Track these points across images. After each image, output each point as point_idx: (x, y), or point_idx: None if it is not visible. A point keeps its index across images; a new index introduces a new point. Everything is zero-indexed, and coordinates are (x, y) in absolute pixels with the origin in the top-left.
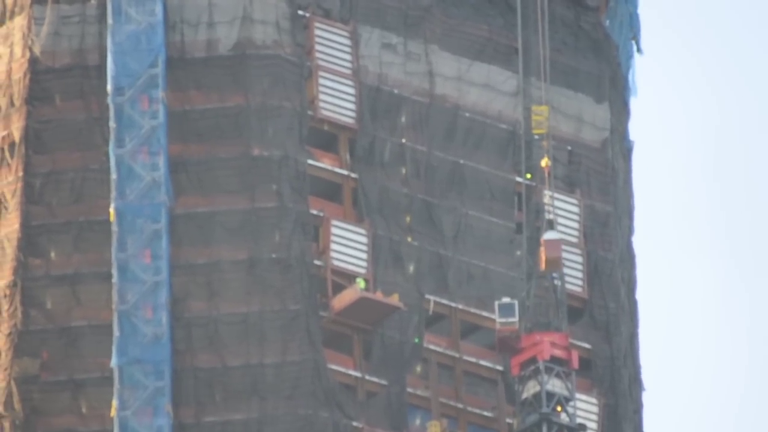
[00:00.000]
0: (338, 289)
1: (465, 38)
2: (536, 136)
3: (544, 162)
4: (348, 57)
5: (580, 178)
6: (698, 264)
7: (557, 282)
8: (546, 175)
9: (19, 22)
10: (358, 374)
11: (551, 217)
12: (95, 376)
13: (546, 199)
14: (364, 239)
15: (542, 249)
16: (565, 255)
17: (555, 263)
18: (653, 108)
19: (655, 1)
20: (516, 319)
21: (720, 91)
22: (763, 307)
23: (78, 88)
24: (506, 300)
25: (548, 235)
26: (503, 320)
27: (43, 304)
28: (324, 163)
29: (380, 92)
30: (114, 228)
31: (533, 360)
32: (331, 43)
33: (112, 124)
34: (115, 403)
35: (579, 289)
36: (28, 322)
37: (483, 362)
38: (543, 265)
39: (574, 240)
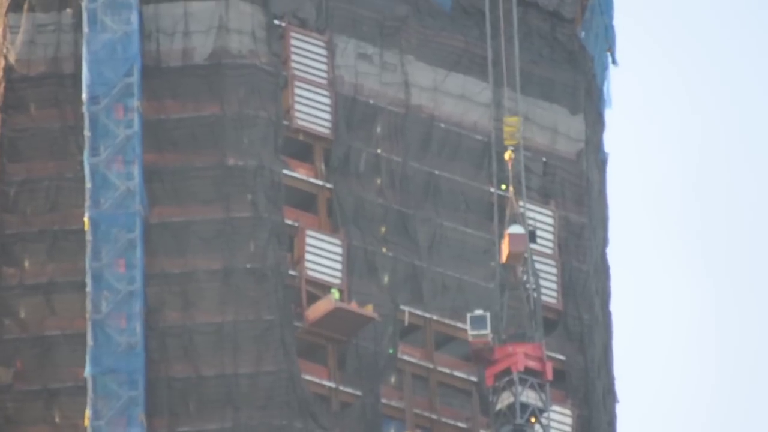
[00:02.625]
0: (313, 299)
1: (441, 49)
2: (511, 147)
3: (507, 155)
4: (324, 67)
5: (555, 189)
6: (672, 276)
7: (533, 293)
8: (509, 168)
9: None
10: (332, 385)
11: (531, 227)
12: (69, 386)
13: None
14: (338, 250)
15: (505, 242)
16: (539, 266)
17: (517, 258)
18: (628, 120)
19: (631, 13)
20: (488, 331)
21: (696, 102)
22: (738, 320)
23: (53, 96)
24: (478, 312)
25: (513, 229)
26: (475, 332)
27: (17, 313)
28: (299, 173)
29: (356, 102)
30: (88, 237)
31: (507, 371)
32: (306, 53)
33: (87, 132)
34: (88, 412)
35: (553, 301)
36: (1, 331)
37: (457, 373)
38: (504, 259)
39: (549, 251)
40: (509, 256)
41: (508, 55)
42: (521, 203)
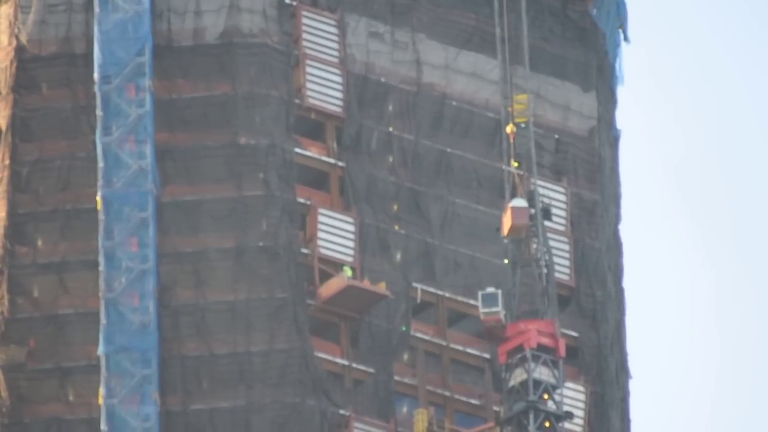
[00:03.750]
0: (325, 277)
1: (452, 27)
2: (522, 125)
3: (509, 128)
4: (335, 46)
5: (567, 166)
6: (685, 252)
7: (546, 270)
8: (511, 141)
9: (5, 11)
10: (345, 362)
11: (547, 203)
12: (82, 364)
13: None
14: (351, 227)
15: (508, 215)
16: (552, 243)
17: (519, 231)
18: (640, 97)
19: None
20: (499, 308)
21: (707, 79)
22: (751, 295)
23: (65, 76)
24: (489, 290)
25: (515, 202)
26: (486, 310)
27: (30, 292)
28: (311, 152)
29: (367, 81)
30: (101, 216)
31: (520, 348)
32: (318, 32)
33: (98, 112)
34: (102, 390)
35: (566, 278)
36: (14, 310)
37: (470, 350)
38: (505, 232)
39: (561, 228)
40: (511, 229)
41: (518, 32)
42: (533, 180)
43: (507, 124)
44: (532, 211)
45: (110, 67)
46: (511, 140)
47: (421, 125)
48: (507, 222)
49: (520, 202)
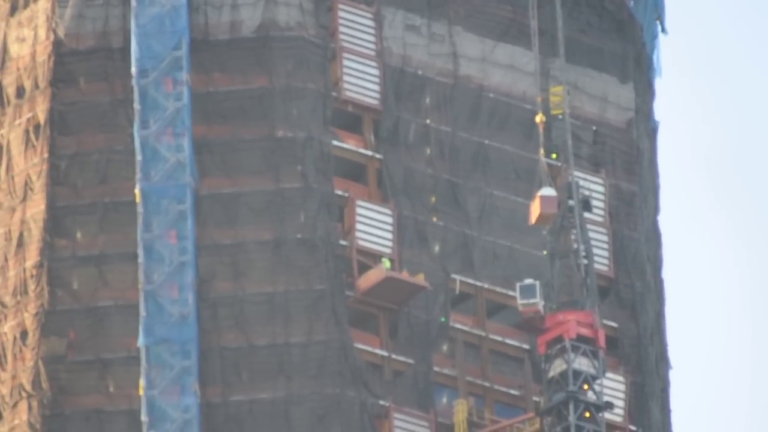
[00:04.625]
0: (364, 269)
1: (489, 19)
2: (559, 116)
3: (538, 118)
4: (372, 38)
5: (605, 157)
6: (723, 242)
7: (585, 261)
8: (540, 131)
9: (43, 5)
10: (384, 353)
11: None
12: (122, 356)
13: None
14: (389, 219)
15: (536, 203)
16: (591, 234)
17: (547, 219)
18: (678, 88)
19: None
20: (537, 299)
21: (745, 69)
22: None
23: (102, 70)
24: (527, 281)
25: (545, 191)
26: (524, 301)
27: (70, 284)
28: (348, 144)
29: (404, 73)
30: (139, 209)
31: (560, 339)
32: (354, 25)
33: (136, 105)
34: (142, 382)
35: (605, 269)
36: (54, 303)
37: (509, 341)
38: (533, 220)
39: (600, 219)
40: (540, 217)
41: (555, 24)
42: (571, 172)
43: (546, 117)
44: (570, 202)
45: (147, 61)
46: (541, 129)
47: (458, 117)
48: (535, 210)
49: (549, 191)
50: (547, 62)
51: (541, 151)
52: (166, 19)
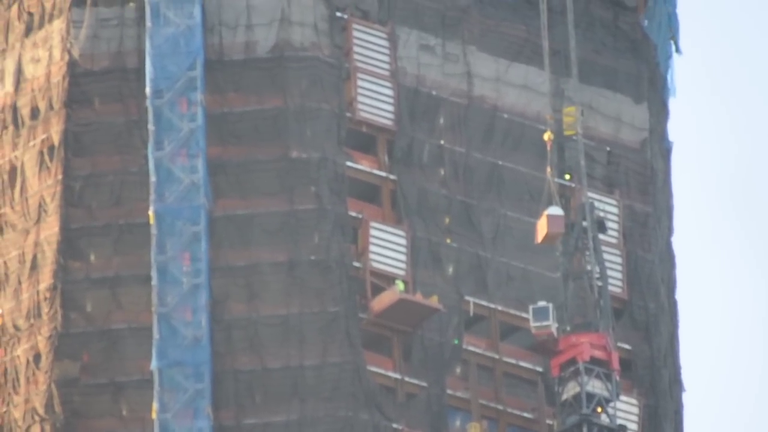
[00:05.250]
0: (377, 290)
1: (503, 39)
2: (574, 137)
3: (546, 136)
4: (386, 58)
5: (619, 178)
6: (738, 263)
7: (598, 282)
8: (548, 149)
9: (57, 26)
10: (397, 376)
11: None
12: (135, 379)
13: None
14: (403, 241)
15: (543, 222)
16: (604, 256)
17: (553, 239)
18: (692, 108)
19: (694, 1)
20: (550, 322)
21: (759, 89)
22: None
23: (117, 90)
24: (540, 304)
25: (552, 210)
26: (537, 324)
27: (83, 306)
28: (362, 165)
29: (418, 94)
30: (153, 231)
31: (573, 361)
32: (369, 45)
33: (150, 126)
34: (155, 405)
35: (619, 290)
36: (68, 325)
37: (523, 363)
38: (539, 239)
39: (614, 241)
40: (546, 236)
41: (569, 44)
42: (584, 193)
43: (558, 137)
44: (584, 223)
45: (162, 82)
46: (549, 148)
47: (473, 138)
48: (542, 229)
49: (556, 210)
50: (560, 82)
51: (548, 169)
52: (180, 40)
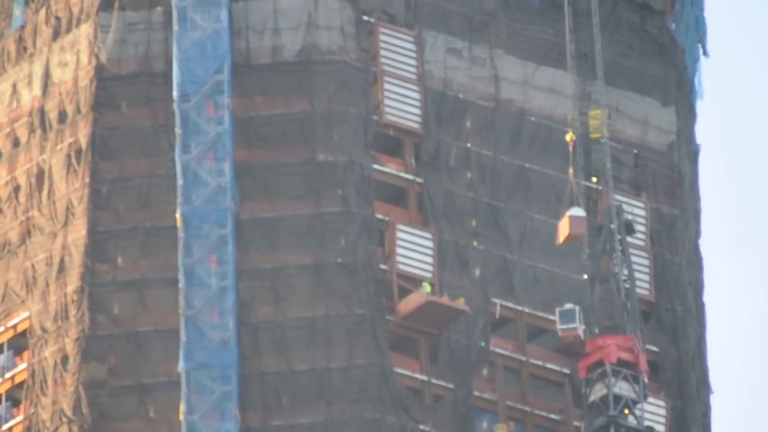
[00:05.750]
0: (404, 293)
1: (530, 42)
2: (601, 140)
3: (569, 137)
4: (413, 62)
5: (647, 181)
6: (765, 266)
7: (626, 285)
8: (570, 150)
9: (85, 30)
10: (424, 378)
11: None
12: (162, 381)
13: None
14: (429, 243)
15: (565, 223)
16: (631, 258)
17: (576, 239)
18: (720, 111)
19: (722, 5)
20: (577, 324)
21: None
22: None
23: (144, 94)
24: (567, 306)
25: (574, 212)
26: (564, 326)
27: (110, 309)
28: (389, 168)
29: (445, 97)
30: (180, 233)
31: (600, 363)
32: (396, 48)
33: (177, 130)
34: (182, 407)
35: (646, 293)
36: (95, 328)
37: (549, 365)
38: (561, 240)
39: (641, 243)
40: (568, 237)
41: (598, 47)
42: (613, 196)
43: (585, 141)
44: (612, 225)
45: (189, 85)
46: (571, 149)
47: (500, 141)
48: (564, 230)
49: (578, 211)
50: (587, 85)
51: (570, 170)
52: (207, 44)
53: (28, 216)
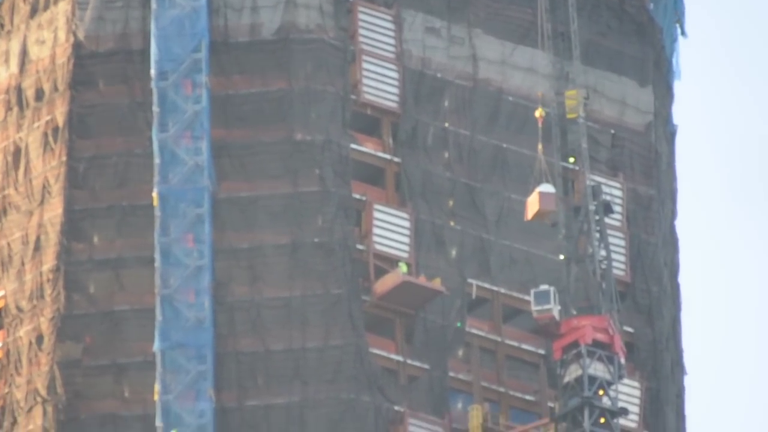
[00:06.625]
0: (380, 273)
1: (508, 22)
2: (577, 120)
3: (538, 113)
4: (391, 41)
5: (623, 161)
6: (741, 248)
7: (601, 265)
8: (539, 125)
9: (63, 7)
10: (400, 358)
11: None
12: (138, 361)
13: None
14: (406, 223)
15: (534, 199)
16: (609, 239)
17: (544, 216)
18: (697, 91)
19: None
20: (552, 305)
21: (764, 73)
22: None
23: (121, 72)
24: (542, 287)
25: (543, 188)
26: (539, 308)
27: (86, 288)
28: (367, 148)
29: (423, 76)
30: (157, 212)
31: (575, 344)
32: (374, 27)
33: (155, 108)
34: (157, 387)
35: (622, 273)
36: (70, 307)
37: (525, 346)
38: (529, 216)
39: (617, 224)
40: (537, 213)
41: (577, 27)
42: (590, 176)
43: (561, 121)
44: (591, 207)
45: (167, 64)
46: (539, 124)
47: (477, 121)
48: (533, 206)
49: (548, 188)
50: (565, 65)
51: (540, 146)
52: (185, 22)
53: (4, 194)
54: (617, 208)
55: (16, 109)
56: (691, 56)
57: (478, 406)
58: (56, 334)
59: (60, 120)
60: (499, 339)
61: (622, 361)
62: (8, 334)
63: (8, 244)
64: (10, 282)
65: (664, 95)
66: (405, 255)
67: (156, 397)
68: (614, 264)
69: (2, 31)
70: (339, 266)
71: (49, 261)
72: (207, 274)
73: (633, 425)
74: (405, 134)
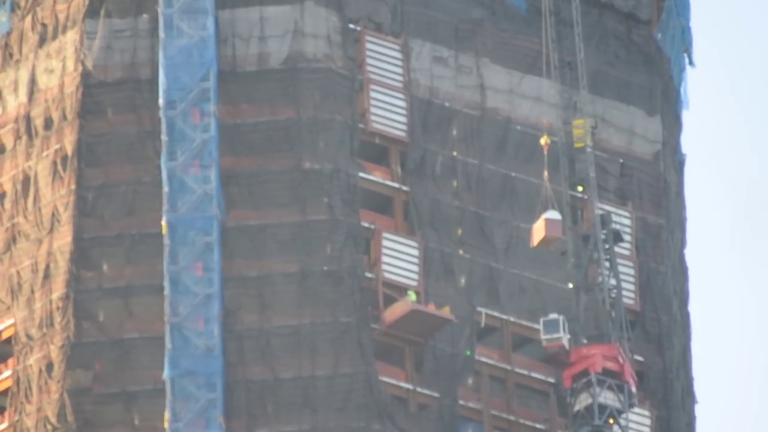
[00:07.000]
0: (389, 301)
1: (516, 51)
2: (588, 148)
3: (543, 140)
4: (399, 70)
5: (632, 190)
6: (751, 276)
7: (611, 294)
8: (545, 153)
9: (71, 37)
10: (409, 386)
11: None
12: (147, 388)
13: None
14: (415, 252)
15: (540, 225)
16: (618, 268)
17: (550, 243)
18: (705, 121)
19: (708, 15)
20: (561, 334)
21: None
22: None
23: (130, 101)
24: (552, 316)
25: (550, 214)
26: (548, 337)
27: (96, 316)
28: (375, 176)
29: (431, 105)
30: (166, 241)
31: (585, 372)
32: (382, 57)
33: (163, 137)
34: (167, 415)
35: (631, 302)
36: (80, 335)
37: (535, 374)
38: (534, 243)
39: (626, 253)
40: (543, 240)
41: (586, 57)
42: (598, 205)
43: (569, 150)
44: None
45: (175, 93)
46: (545, 152)
47: (485, 149)
48: (539, 233)
49: (554, 214)
50: (573, 94)
51: (545, 173)
52: (194, 51)
53: (14, 222)
54: (626, 237)
55: (25, 137)
56: (700, 86)
57: None
58: (66, 362)
59: (69, 149)
60: (508, 367)
61: (633, 389)
62: (18, 362)
63: (18, 272)
64: (20, 310)
65: (673, 124)
66: (414, 283)
67: (166, 425)
68: (624, 293)
69: (11, 60)
70: (348, 294)
71: (58, 289)
72: (216, 302)
73: None
74: (413, 163)
